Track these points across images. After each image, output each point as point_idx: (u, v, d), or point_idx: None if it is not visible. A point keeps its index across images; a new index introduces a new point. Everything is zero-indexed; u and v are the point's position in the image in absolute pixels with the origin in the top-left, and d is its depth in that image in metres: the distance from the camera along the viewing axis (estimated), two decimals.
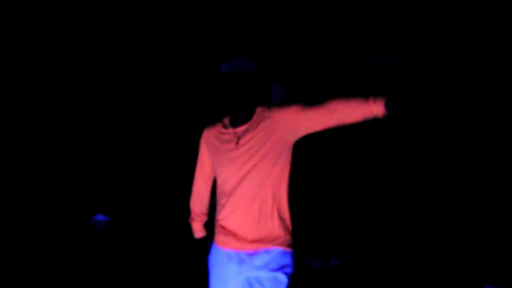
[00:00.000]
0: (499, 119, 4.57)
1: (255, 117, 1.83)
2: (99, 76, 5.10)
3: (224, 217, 1.82)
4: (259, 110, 1.83)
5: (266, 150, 1.77)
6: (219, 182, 1.86)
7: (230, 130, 1.84)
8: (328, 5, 5.05)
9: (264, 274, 1.75)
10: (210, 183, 2.00)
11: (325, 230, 4.14)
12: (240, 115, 1.82)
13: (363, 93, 1.71)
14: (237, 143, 1.80)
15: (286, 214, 1.83)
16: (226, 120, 1.89)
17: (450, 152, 4.76)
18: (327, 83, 5.17)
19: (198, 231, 2.06)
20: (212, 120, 1.95)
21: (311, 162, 4.52)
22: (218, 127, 1.89)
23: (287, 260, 1.80)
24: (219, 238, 1.84)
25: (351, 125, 1.75)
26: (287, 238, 1.81)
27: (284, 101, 1.92)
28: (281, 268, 1.76)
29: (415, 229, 4.16)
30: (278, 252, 1.77)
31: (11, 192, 4.48)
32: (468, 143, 4.68)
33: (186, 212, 2.05)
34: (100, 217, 4.50)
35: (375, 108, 1.62)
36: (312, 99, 1.80)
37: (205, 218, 2.06)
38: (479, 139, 4.63)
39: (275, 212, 1.79)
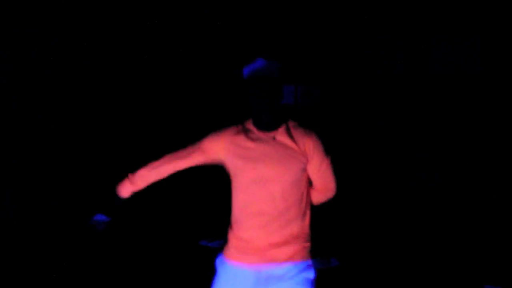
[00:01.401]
0: (499, 118, 4.57)
1: (284, 125, 1.79)
2: (99, 76, 5.10)
3: (247, 227, 1.72)
4: (289, 121, 1.81)
5: (295, 160, 1.72)
6: (241, 188, 1.76)
7: (257, 133, 1.77)
8: (329, 5, 5.05)
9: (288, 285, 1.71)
10: (166, 174, 1.99)
11: (325, 230, 4.14)
12: (267, 119, 1.75)
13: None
14: (267, 143, 1.73)
15: (307, 227, 1.80)
16: (249, 125, 1.81)
17: (450, 152, 4.76)
18: (327, 83, 5.17)
19: (127, 192, 2.07)
20: (216, 120, 1.90)
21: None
22: (241, 131, 1.80)
23: (311, 271, 1.78)
24: (237, 252, 1.75)
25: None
26: (308, 246, 1.79)
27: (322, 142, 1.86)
28: (305, 280, 1.74)
29: (415, 229, 4.16)
30: (302, 265, 1.74)
31: (11, 192, 4.48)
32: (468, 143, 4.68)
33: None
34: (100, 217, 4.50)
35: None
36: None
37: (138, 188, 2.04)
38: (479, 139, 4.63)
39: (299, 222, 1.76)
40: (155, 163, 1.99)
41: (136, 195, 2.21)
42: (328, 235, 4.05)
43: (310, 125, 1.85)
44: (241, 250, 1.74)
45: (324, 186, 1.86)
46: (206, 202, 4.43)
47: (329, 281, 3.28)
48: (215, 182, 1.93)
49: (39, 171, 4.69)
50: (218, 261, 1.83)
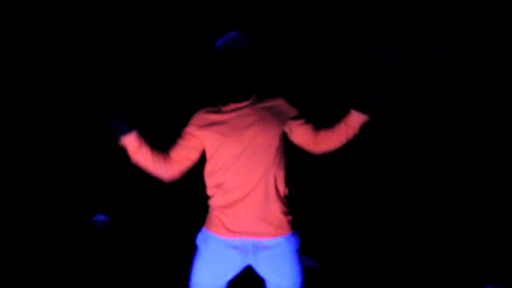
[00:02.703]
0: (500, 118, 4.57)
1: (256, 95, 1.81)
2: (99, 76, 5.10)
3: (227, 201, 1.73)
4: (260, 92, 1.84)
5: (270, 127, 1.74)
6: (218, 163, 1.76)
7: (230, 106, 1.78)
8: (329, 5, 5.05)
9: (276, 262, 1.74)
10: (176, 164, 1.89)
11: (325, 230, 4.14)
12: (239, 93, 1.76)
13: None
14: (239, 116, 1.75)
15: (284, 198, 1.80)
16: (219, 102, 1.83)
17: (450, 152, 4.76)
18: (327, 83, 5.17)
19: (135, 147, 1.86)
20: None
21: (311, 162, 4.51)
22: (212, 108, 1.82)
23: (295, 240, 1.80)
24: (219, 226, 1.76)
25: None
26: (290, 218, 1.80)
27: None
28: (292, 252, 1.77)
29: (414, 229, 4.16)
30: (287, 238, 1.77)
31: (11, 192, 4.48)
32: (468, 143, 4.68)
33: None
34: (100, 217, 4.50)
35: (350, 129, 1.86)
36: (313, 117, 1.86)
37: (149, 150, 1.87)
38: (479, 138, 4.63)
39: (279, 195, 1.76)
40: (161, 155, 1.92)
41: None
42: (327, 235, 4.05)
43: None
44: (225, 224, 1.74)
45: (316, 132, 1.88)
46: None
47: (329, 281, 3.28)
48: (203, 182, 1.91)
49: (39, 171, 4.69)
50: (200, 237, 1.82)
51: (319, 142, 1.88)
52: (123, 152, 1.86)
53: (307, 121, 1.87)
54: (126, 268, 3.44)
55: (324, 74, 5.18)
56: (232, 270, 1.76)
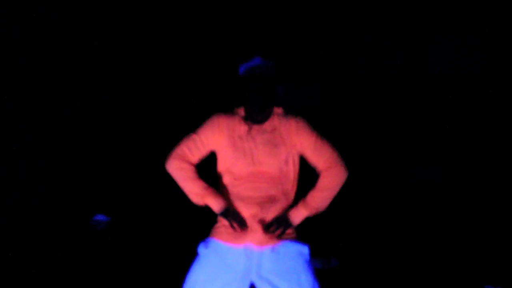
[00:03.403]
0: (500, 118, 4.57)
1: (274, 116, 1.85)
2: (99, 76, 5.10)
3: (239, 211, 1.76)
4: (277, 110, 1.87)
5: (282, 148, 1.79)
6: (228, 173, 1.81)
7: (248, 124, 1.82)
8: (329, 5, 5.05)
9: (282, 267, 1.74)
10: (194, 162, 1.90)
11: (325, 230, 4.14)
12: (259, 115, 1.82)
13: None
14: (253, 137, 1.79)
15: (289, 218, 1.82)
16: (241, 112, 1.87)
17: (450, 152, 4.76)
18: (327, 83, 5.17)
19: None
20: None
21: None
22: (234, 118, 1.85)
23: (304, 246, 1.81)
24: (224, 234, 1.78)
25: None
26: (294, 229, 1.83)
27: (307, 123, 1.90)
28: (299, 253, 1.79)
29: (415, 229, 4.16)
30: (293, 241, 1.79)
31: (11, 192, 4.48)
32: (468, 143, 4.68)
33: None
34: (100, 217, 4.50)
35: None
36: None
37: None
38: (479, 138, 4.63)
39: (288, 206, 1.81)
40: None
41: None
42: (328, 235, 4.05)
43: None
44: (231, 232, 1.76)
45: (326, 164, 1.86)
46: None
47: (329, 281, 3.28)
48: (215, 182, 1.92)
49: (38, 171, 4.69)
50: (202, 244, 1.82)
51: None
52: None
53: (320, 148, 1.85)
54: (126, 268, 3.44)
55: (324, 74, 5.18)
56: (232, 282, 1.74)
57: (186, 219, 4.32)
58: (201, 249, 1.82)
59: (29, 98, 4.64)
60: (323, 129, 1.96)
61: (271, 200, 1.76)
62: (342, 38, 5.13)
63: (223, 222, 1.81)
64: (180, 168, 1.85)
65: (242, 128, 1.81)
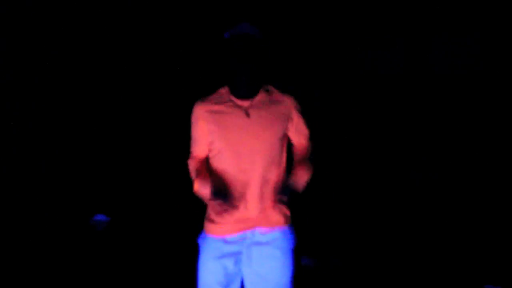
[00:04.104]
0: (500, 118, 4.57)
1: (263, 91, 1.78)
2: (99, 76, 5.10)
3: (230, 198, 1.71)
4: (267, 86, 1.80)
5: (276, 129, 1.74)
6: (222, 158, 1.74)
7: (234, 101, 1.73)
8: (329, 5, 5.05)
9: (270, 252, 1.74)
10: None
11: (325, 230, 4.14)
12: (245, 85, 1.70)
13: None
14: (247, 115, 1.71)
15: (280, 196, 1.79)
16: (223, 91, 1.78)
17: (450, 152, 4.76)
18: (327, 83, 5.17)
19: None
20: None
21: (309, 161, 4.53)
22: (214, 100, 1.76)
23: (292, 238, 1.81)
24: (216, 225, 1.75)
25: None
26: (288, 213, 1.82)
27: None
28: (288, 249, 1.78)
29: (415, 229, 4.16)
30: (284, 232, 1.78)
31: (11, 192, 4.48)
32: (468, 143, 4.68)
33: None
34: (100, 217, 4.50)
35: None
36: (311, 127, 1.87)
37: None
38: (479, 138, 4.63)
39: (277, 190, 1.77)
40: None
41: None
42: (328, 235, 4.04)
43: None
44: (224, 221, 1.74)
45: (299, 144, 1.85)
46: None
47: (329, 281, 3.28)
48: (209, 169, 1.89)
49: (38, 171, 4.68)
50: (201, 239, 1.82)
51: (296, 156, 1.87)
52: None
53: (303, 133, 1.84)
54: (126, 268, 3.44)
55: (324, 75, 5.18)
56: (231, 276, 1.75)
57: (186, 219, 4.32)
58: (201, 242, 1.81)
59: (29, 98, 4.64)
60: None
61: (265, 180, 1.72)
62: (342, 38, 5.13)
63: (213, 215, 1.77)
64: (193, 170, 1.82)
65: (227, 108, 1.72)
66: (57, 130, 4.83)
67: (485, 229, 4.02)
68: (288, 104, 1.80)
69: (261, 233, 1.74)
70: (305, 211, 4.34)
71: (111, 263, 3.54)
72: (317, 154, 2.04)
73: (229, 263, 1.73)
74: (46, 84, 4.75)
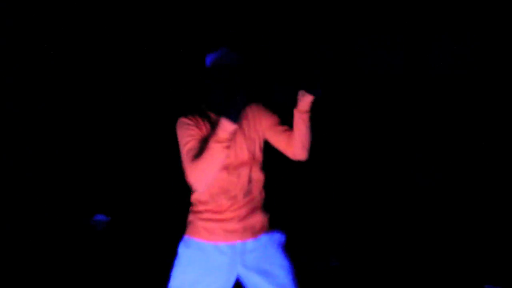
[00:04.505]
0: (499, 118, 4.57)
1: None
2: (99, 76, 5.10)
3: (215, 207, 1.76)
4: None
5: (250, 137, 1.79)
6: None
7: (212, 116, 1.78)
8: (328, 4, 5.04)
9: (265, 259, 1.76)
10: None
11: (325, 230, 4.14)
12: (222, 107, 1.70)
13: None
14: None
15: (264, 199, 1.85)
16: (204, 108, 1.82)
17: (450, 152, 4.76)
18: (327, 83, 5.16)
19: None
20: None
21: (310, 161, 4.52)
22: (195, 116, 1.78)
23: (280, 235, 1.84)
24: (204, 232, 1.77)
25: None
26: (269, 216, 1.85)
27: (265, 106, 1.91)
28: (279, 246, 1.82)
29: (415, 229, 4.16)
30: (270, 235, 1.82)
31: (11, 192, 4.48)
32: (468, 143, 4.68)
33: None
34: (100, 217, 4.50)
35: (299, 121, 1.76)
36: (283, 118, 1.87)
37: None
38: (479, 138, 4.63)
39: (261, 198, 1.83)
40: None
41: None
42: (328, 235, 4.05)
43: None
44: (212, 229, 1.76)
45: (282, 127, 1.85)
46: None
47: (329, 281, 3.28)
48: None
49: (39, 171, 4.69)
50: (182, 244, 1.82)
51: (289, 143, 1.83)
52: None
53: (281, 123, 1.85)
54: (126, 268, 3.44)
55: (324, 74, 5.17)
56: (219, 280, 1.74)
57: (186, 219, 4.31)
58: (182, 249, 1.81)
59: (29, 98, 4.64)
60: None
61: (247, 190, 1.76)
62: (342, 38, 5.13)
63: (200, 223, 1.78)
64: (196, 166, 1.68)
65: (208, 123, 1.75)
66: (57, 130, 4.83)
67: (485, 229, 4.02)
68: (259, 110, 1.84)
69: (249, 242, 1.77)
70: (305, 211, 4.34)
71: (111, 263, 3.54)
72: (316, 154, 2.04)
73: (215, 274, 1.74)
74: (46, 84, 4.75)
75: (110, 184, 4.94)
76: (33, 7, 4.57)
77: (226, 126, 1.55)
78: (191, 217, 1.86)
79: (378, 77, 5.02)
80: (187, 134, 1.72)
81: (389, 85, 4.98)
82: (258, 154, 1.82)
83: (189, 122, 1.75)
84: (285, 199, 3.99)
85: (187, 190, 2.06)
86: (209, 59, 1.79)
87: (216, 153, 1.57)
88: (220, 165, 1.62)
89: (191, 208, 1.87)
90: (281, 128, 1.83)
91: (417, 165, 4.86)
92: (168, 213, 4.49)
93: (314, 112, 1.82)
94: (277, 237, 1.84)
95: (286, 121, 1.85)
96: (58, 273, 3.31)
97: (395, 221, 4.35)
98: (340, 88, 5.12)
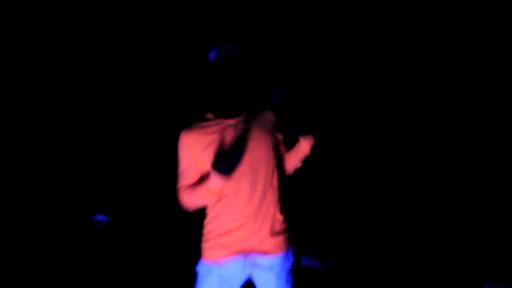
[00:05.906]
0: (500, 117, 4.57)
1: (250, 110, 1.81)
2: (99, 76, 5.10)
3: (229, 222, 1.71)
4: (252, 105, 1.83)
5: (266, 142, 1.75)
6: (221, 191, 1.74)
7: (221, 121, 1.75)
8: (329, 4, 5.05)
9: (273, 277, 1.75)
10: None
11: (325, 230, 4.14)
12: (231, 106, 1.73)
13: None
14: (237, 130, 1.72)
15: (280, 213, 1.81)
16: (210, 115, 1.81)
17: (450, 151, 4.76)
18: (326, 83, 5.17)
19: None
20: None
21: (310, 161, 4.52)
22: (201, 126, 1.76)
23: (290, 259, 1.82)
24: (220, 250, 1.73)
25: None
26: (287, 236, 1.81)
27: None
28: (286, 271, 1.80)
29: (415, 229, 4.16)
30: (283, 256, 1.78)
31: (11, 192, 4.48)
32: (468, 143, 4.68)
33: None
34: (100, 217, 4.50)
35: (302, 148, 1.86)
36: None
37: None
38: (479, 138, 4.63)
39: (278, 210, 1.78)
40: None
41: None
42: (328, 235, 4.05)
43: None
44: (224, 246, 1.72)
45: (283, 152, 1.93)
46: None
47: (329, 281, 3.28)
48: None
49: (39, 171, 4.69)
50: (200, 265, 1.79)
51: (283, 163, 1.90)
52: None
53: (283, 143, 1.93)
54: (126, 268, 3.44)
55: (324, 74, 5.18)
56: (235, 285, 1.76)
57: (186, 219, 4.33)
58: (200, 272, 1.79)
59: (29, 98, 4.65)
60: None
61: (258, 204, 1.71)
62: (342, 38, 5.13)
63: (212, 241, 1.75)
64: (189, 196, 1.73)
65: (214, 128, 1.73)
66: (57, 130, 4.83)
67: (485, 229, 4.02)
68: (272, 118, 1.85)
69: (261, 259, 1.74)
70: (305, 212, 4.34)
71: (111, 263, 3.55)
72: (316, 154, 2.05)
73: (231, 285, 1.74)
74: (47, 84, 4.76)
75: (110, 184, 4.94)
76: (33, 7, 4.57)
77: (216, 181, 1.60)
78: (203, 240, 1.81)
79: (378, 77, 5.03)
80: (181, 155, 1.74)
81: (389, 85, 4.98)
82: (274, 158, 1.78)
83: (186, 141, 1.73)
84: (285, 199, 4.00)
85: None
86: (212, 54, 1.77)
87: (205, 195, 1.66)
88: (208, 201, 1.69)
89: (203, 231, 1.83)
90: (283, 148, 1.90)
91: (417, 165, 4.86)
92: (168, 213, 4.49)
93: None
94: (289, 259, 1.80)
95: (286, 121, 1.87)
96: (58, 273, 3.31)
97: (395, 221, 4.36)
98: (339, 88, 5.12)
